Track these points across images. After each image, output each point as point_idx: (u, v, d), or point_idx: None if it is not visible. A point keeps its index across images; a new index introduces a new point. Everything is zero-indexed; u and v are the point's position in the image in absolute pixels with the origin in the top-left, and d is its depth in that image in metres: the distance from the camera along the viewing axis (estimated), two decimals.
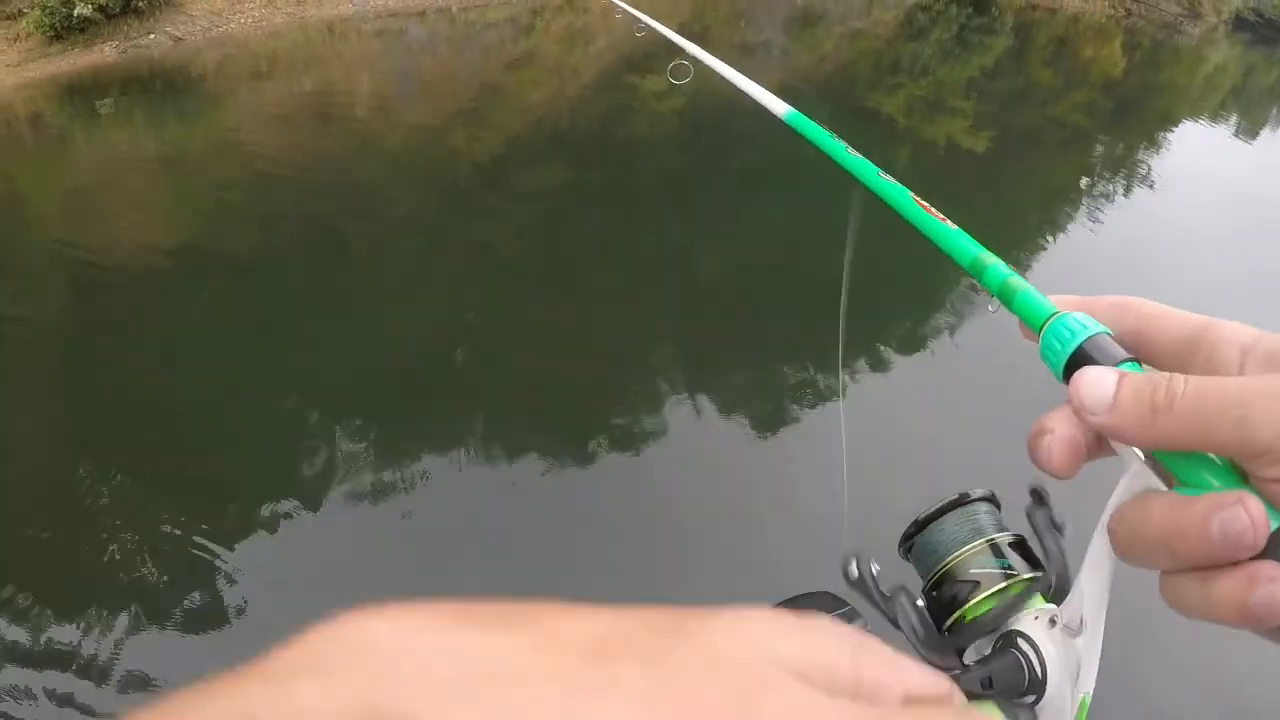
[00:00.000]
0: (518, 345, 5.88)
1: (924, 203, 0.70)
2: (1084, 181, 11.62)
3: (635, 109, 10.40)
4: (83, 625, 3.66)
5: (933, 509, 0.79)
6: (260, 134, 8.22)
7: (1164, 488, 0.42)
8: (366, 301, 6.07)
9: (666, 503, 4.64)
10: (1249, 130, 16.96)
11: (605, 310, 6.37)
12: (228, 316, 5.74)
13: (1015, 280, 0.56)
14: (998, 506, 0.78)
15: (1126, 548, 0.43)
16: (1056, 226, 9.73)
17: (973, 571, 0.76)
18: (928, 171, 10.50)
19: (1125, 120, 15.04)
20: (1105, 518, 0.45)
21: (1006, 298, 0.56)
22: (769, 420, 5.48)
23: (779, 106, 1.11)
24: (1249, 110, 18.81)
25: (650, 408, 5.46)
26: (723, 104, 11.11)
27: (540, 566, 4.04)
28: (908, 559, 0.81)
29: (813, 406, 5.63)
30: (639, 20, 2.43)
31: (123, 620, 3.73)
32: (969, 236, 0.64)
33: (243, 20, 10.36)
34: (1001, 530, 0.76)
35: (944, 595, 0.77)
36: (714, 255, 7.38)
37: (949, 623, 0.77)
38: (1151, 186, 11.59)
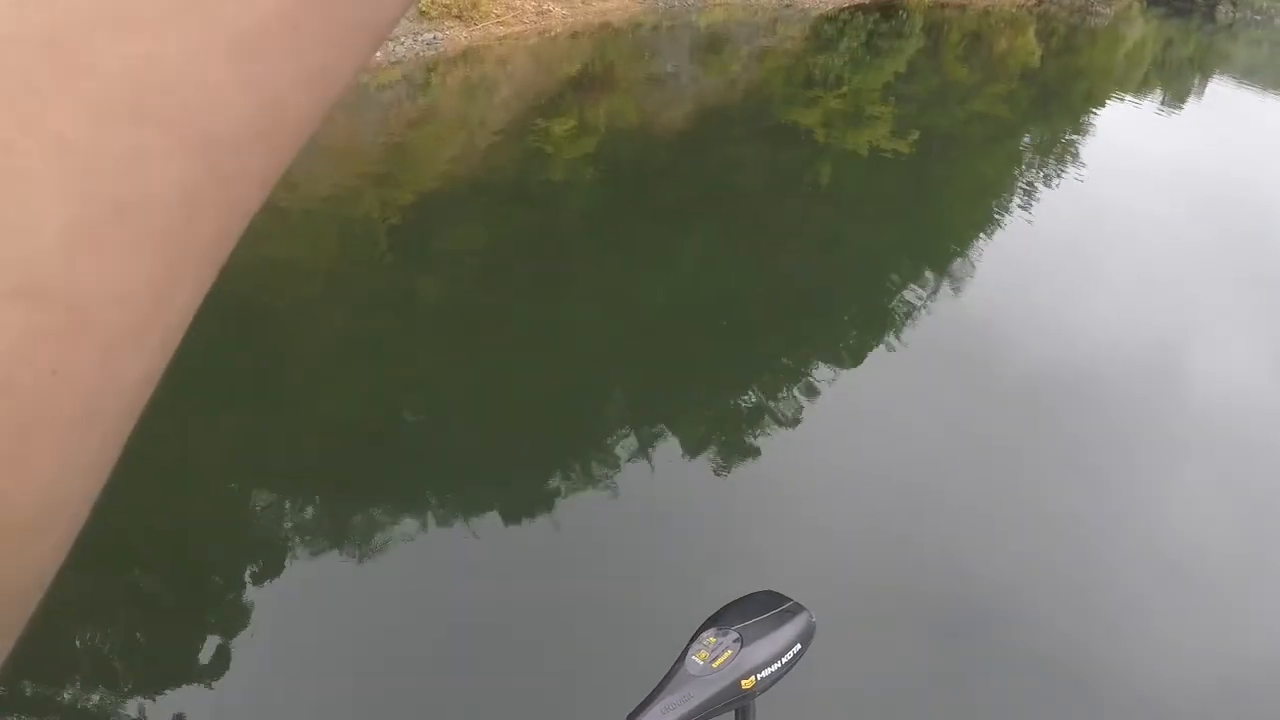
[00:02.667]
0: (460, 403, 6.38)
1: None
2: (1014, 172, 12.40)
3: (549, 153, 11.02)
4: None
5: None
6: None
7: None
8: (294, 382, 6.53)
9: (619, 526, 5.24)
10: (1174, 101, 18.06)
11: (543, 357, 6.89)
12: (153, 422, 6.07)
13: None
14: None
15: None
16: (992, 221, 10.37)
17: None
18: (855, 182, 11.19)
19: (1048, 107, 15.97)
20: None
21: None
22: (717, 442, 6.06)
23: None
24: (1172, 81, 20.00)
25: (601, 441, 6.02)
26: (639, 138, 11.76)
27: (501, 608, 4.53)
28: None
29: (759, 429, 6.20)
30: None
31: None
32: None
33: None
34: None
35: None
36: (646, 289, 7.93)
37: None
38: (1083, 168, 12.39)
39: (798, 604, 1.43)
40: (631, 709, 1.25)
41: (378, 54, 12.89)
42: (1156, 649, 4.56)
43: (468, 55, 13.73)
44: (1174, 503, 5.72)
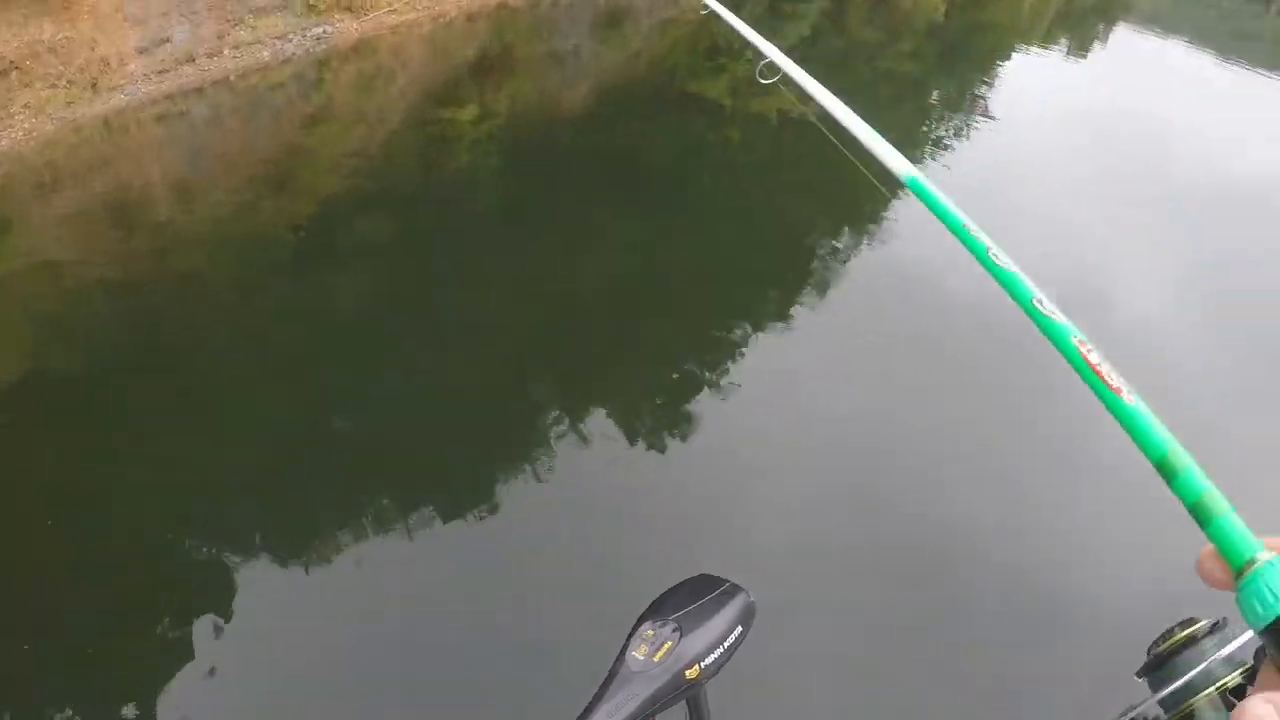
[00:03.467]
0: (383, 404, 6.40)
1: (1093, 359, 0.68)
2: (925, 127, 12.61)
3: (453, 140, 11.00)
4: None
5: (1166, 646, 0.90)
6: (61, 249, 8.53)
7: None
8: (212, 398, 6.52)
9: (547, 521, 5.30)
10: (1079, 49, 18.46)
11: (463, 351, 6.92)
12: (81, 452, 6.05)
13: (1214, 497, 0.54)
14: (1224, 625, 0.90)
15: None
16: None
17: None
18: (765, 148, 11.31)
19: (955, 62, 16.24)
20: None
21: (1200, 517, 0.54)
22: (644, 425, 6.14)
23: (900, 166, 1.16)
24: (1076, 30, 20.39)
25: (524, 436, 6.11)
26: (543, 118, 11.78)
27: (433, 620, 4.58)
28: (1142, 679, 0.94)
29: (688, 406, 6.28)
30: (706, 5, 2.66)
31: None
32: (1155, 418, 0.62)
33: (13, 135, 10.58)
34: (1233, 667, 0.85)
35: None
36: (563, 272, 7.99)
37: None
38: (993, 119, 12.63)
39: (734, 585, 1.42)
40: (575, 716, 1.23)
41: (265, 53, 12.77)
42: (1099, 596, 4.71)
43: (360, 48, 13.63)
44: (1104, 433, 5.90)
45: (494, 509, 5.37)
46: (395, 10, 14.19)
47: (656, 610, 1.37)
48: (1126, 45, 19.01)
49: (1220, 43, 19.00)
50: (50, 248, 8.67)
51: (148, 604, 4.95)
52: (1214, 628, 0.91)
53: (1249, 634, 0.54)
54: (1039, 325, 0.75)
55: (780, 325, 7.31)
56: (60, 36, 11.34)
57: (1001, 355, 6.68)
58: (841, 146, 1.29)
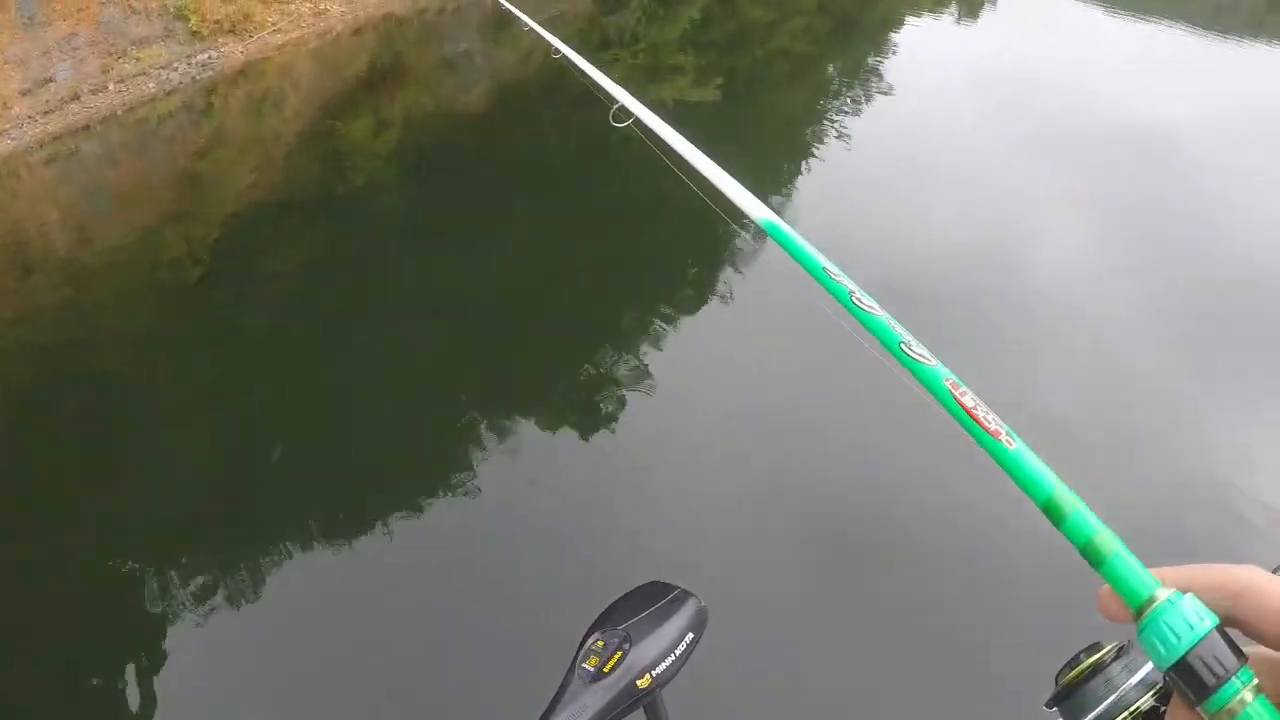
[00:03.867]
0: (301, 422, 6.47)
1: (967, 402, 0.67)
2: (823, 102, 12.86)
3: (351, 155, 11.08)
4: None
5: (1074, 675, 0.91)
6: None
7: None
8: (142, 439, 6.55)
9: (489, 529, 5.38)
10: (969, 13, 18.88)
11: (380, 367, 6.98)
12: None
13: (1105, 539, 0.55)
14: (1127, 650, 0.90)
15: None
16: (809, 154, 10.75)
17: None
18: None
19: (849, 35, 16.53)
20: None
21: (1093, 559, 0.55)
22: (572, 427, 6.25)
23: (756, 210, 1.14)
24: None
25: (451, 447, 6.17)
26: (439, 125, 11.85)
27: (392, 618, 4.69)
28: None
29: (609, 405, 6.39)
30: (557, 50, 2.65)
31: None
32: (1038, 459, 0.61)
33: None
34: (1145, 689, 0.85)
35: None
36: (471, 278, 8.08)
37: None
38: (891, 90, 12.90)
39: (685, 591, 1.42)
40: None
41: (150, 85, 12.72)
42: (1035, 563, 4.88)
43: (247, 70, 13.61)
44: (1023, 382, 6.16)
45: (428, 525, 5.45)
46: (280, 29, 14.18)
47: (606, 620, 1.38)
48: (1016, 6, 19.45)
49: None
50: None
51: (76, 652, 5.03)
52: (1120, 652, 0.91)
53: None
54: (909, 369, 0.72)
55: (693, 316, 7.46)
56: None
57: (928, 323, 6.89)
58: (697, 190, 1.23)
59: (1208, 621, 0.49)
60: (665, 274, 8.27)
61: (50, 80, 12.71)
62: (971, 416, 0.65)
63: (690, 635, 1.35)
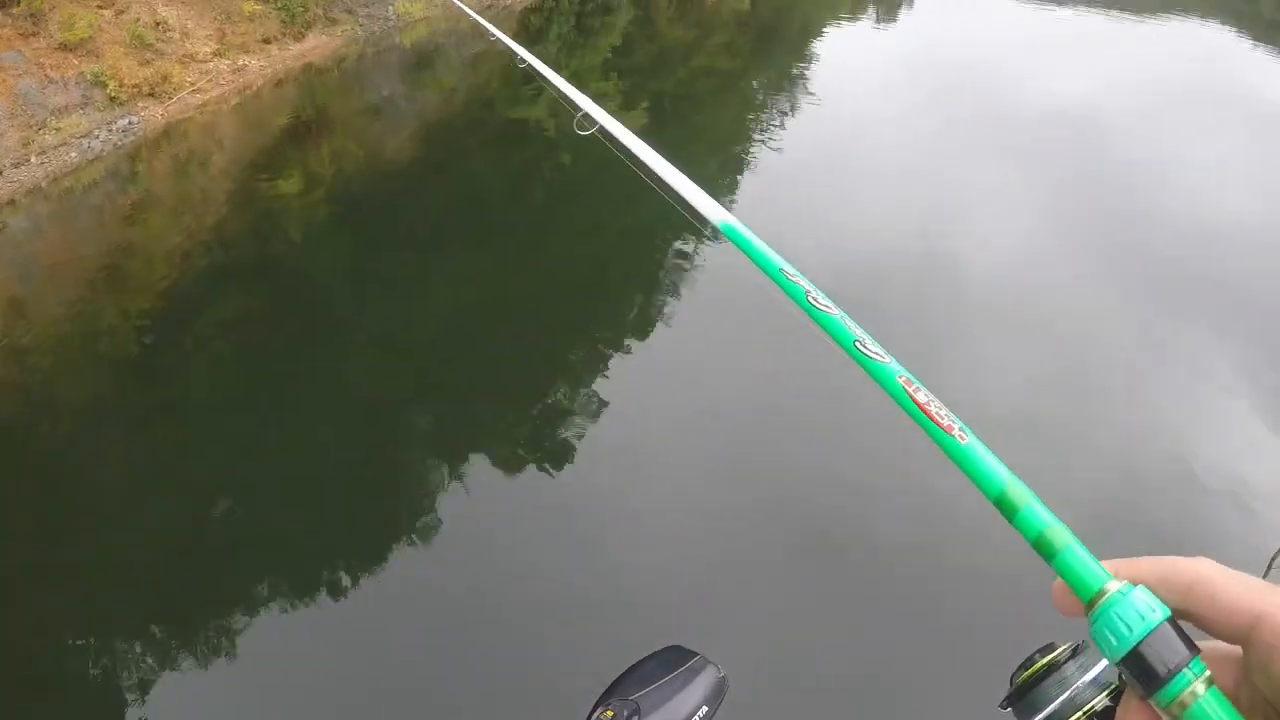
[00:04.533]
0: (263, 485, 6.58)
1: (920, 399, 0.69)
2: (752, 115, 13.17)
3: (282, 209, 11.23)
4: None
5: (1028, 675, 0.92)
6: None
7: None
8: (92, 517, 6.61)
9: (479, 594, 5.35)
10: (887, 14, 19.34)
11: (337, 421, 7.11)
12: None
13: (1057, 532, 0.56)
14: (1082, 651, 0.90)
15: None
16: (741, 167, 11.01)
17: None
18: (596, 162, 11.69)
19: (770, 48, 16.88)
20: None
21: (1044, 552, 0.56)
22: (555, 463, 6.35)
23: (715, 213, 1.14)
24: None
25: (429, 488, 6.29)
26: (370, 172, 12.02)
27: (379, 676, 4.79)
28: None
29: (587, 435, 6.50)
30: (523, 59, 2.75)
31: None
32: (991, 454, 0.63)
33: None
34: (1099, 689, 0.86)
35: None
36: (419, 321, 8.23)
37: None
38: (818, 97, 13.23)
39: (703, 659, 1.38)
40: None
41: (73, 154, 12.80)
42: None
43: (170, 132, 13.70)
44: (971, 370, 6.42)
45: (401, 580, 5.55)
46: (199, 89, 14.28)
47: (617, 688, 1.35)
48: (931, 4, 19.91)
49: None
50: None
51: None
52: (1074, 651, 0.91)
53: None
54: (863, 367, 0.74)
55: (647, 334, 7.64)
56: None
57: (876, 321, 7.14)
58: (661, 193, 1.34)
59: (1159, 613, 0.50)
60: (625, 289, 8.43)
61: None
62: (925, 412, 0.67)
63: (705, 709, 1.31)
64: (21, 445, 7.53)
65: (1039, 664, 0.91)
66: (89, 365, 8.62)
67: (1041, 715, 0.88)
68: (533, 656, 4.74)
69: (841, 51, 16.06)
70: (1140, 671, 0.50)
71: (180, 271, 10.16)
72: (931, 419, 0.66)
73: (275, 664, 5.15)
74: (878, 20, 18.95)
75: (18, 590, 6.03)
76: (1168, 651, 0.49)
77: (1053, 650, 0.91)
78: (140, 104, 13.78)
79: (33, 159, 13.05)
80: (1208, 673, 0.50)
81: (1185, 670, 0.49)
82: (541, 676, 4.56)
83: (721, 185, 10.43)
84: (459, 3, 5.94)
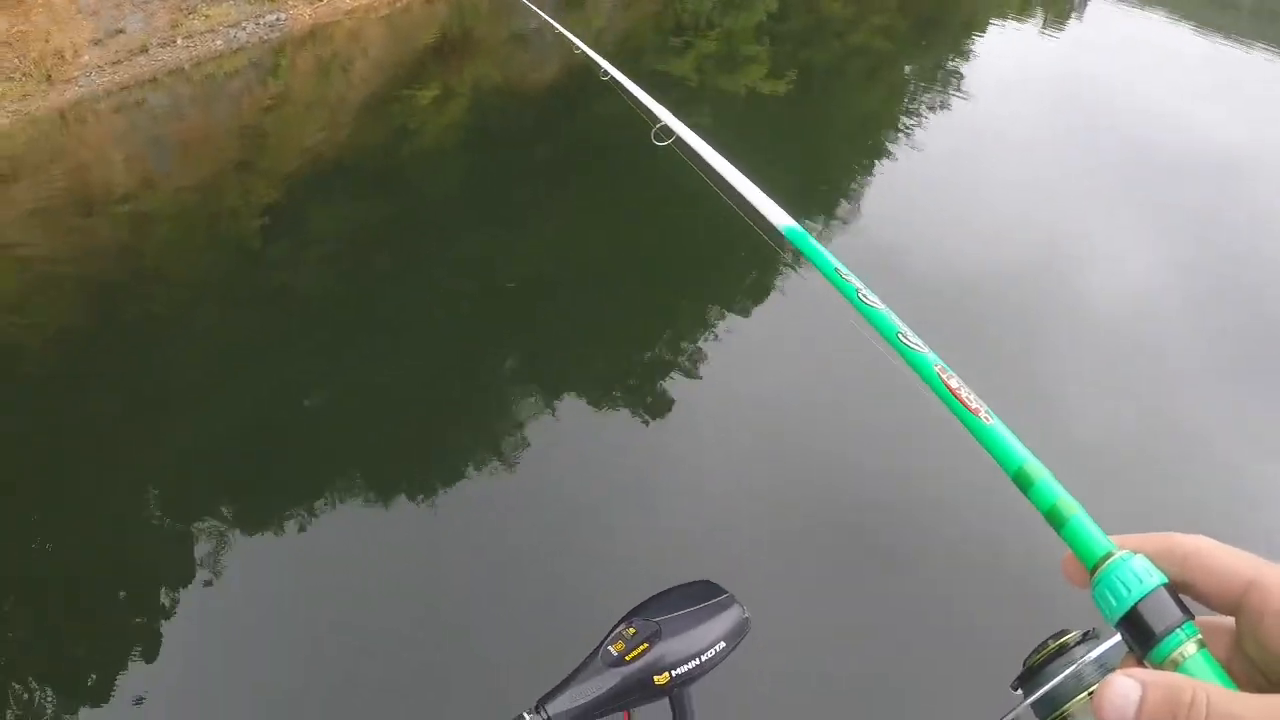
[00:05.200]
0: (354, 388, 6.68)
1: (953, 384, 0.75)
2: (898, 103, 12.98)
3: (415, 125, 11.33)
4: None
5: (1038, 657, 0.97)
6: (26, 238, 8.85)
7: None
8: (175, 382, 6.83)
9: (538, 511, 5.50)
10: (1056, 21, 18.91)
11: (437, 330, 7.20)
12: (47, 438, 6.37)
13: (1066, 503, 0.61)
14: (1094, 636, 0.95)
15: None
16: (877, 155, 10.87)
17: None
18: (732, 125, 11.66)
19: (928, 36, 16.58)
20: None
21: (1055, 522, 0.60)
22: (622, 411, 6.40)
23: (779, 218, 1.22)
24: (1052, 3, 20.83)
25: (507, 417, 6.36)
26: (507, 101, 12.11)
27: (429, 597, 4.87)
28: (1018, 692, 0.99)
29: (666, 391, 6.54)
30: (606, 72, 2.78)
31: None
32: (1012, 434, 0.68)
33: None
34: (1105, 671, 0.89)
35: None
36: (531, 256, 8.28)
37: None
38: (968, 95, 12.96)
39: (731, 597, 1.43)
40: (543, 693, 1.31)
41: (218, 42, 13.08)
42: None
43: (316, 34, 13.93)
44: (1071, 399, 6.30)
45: (469, 499, 5.62)
46: None
47: (644, 609, 1.41)
48: (1102, 18, 19.43)
49: (1199, 14, 19.47)
50: (11, 236, 9.00)
51: (104, 589, 5.28)
52: (1085, 637, 0.97)
53: (1116, 638, 0.58)
54: (904, 357, 0.81)
55: (752, 309, 7.59)
56: (14, 30, 11.69)
57: (980, 335, 7.06)
58: (739, 210, 1.37)
59: (1156, 578, 0.54)
60: (726, 262, 8.39)
61: (120, 32, 13.10)
62: (955, 396, 0.74)
63: (723, 644, 1.38)
64: (127, 307, 7.76)
65: (1050, 647, 0.97)
66: (205, 242, 8.85)
67: (1043, 690, 0.95)
68: (575, 574, 4.91)
69: (1000, 53, 15.71)
70: (1136, 631, 0.54)
71: (307, 168, 10.36)
72: (961, 401, 0.72)
73: (328, 560, 5.25)
74: (1044, 25, 18.49)
75: (95, 440, 6.26)
76: (1163, 613, 0.53)
77: (1064, 635, 0.97)
78: (290, 2, 14.04)
79: (179, 41, 13.37)
80: (1199, 635, 0.53)
81: (1178, 630, 0.52)
82: (580, 591, 4.72)
83: (852, 171, 10.33)
84: (531, 4, 5.97)
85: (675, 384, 6.57)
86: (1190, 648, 0.52)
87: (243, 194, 9.69)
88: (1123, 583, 0.54)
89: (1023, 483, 0.64)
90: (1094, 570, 0.56)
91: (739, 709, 3.46)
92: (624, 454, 5.98)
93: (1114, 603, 0.54)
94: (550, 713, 1.28)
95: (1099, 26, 18.54)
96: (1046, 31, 17.83)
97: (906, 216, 9.08)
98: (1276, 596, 0.51)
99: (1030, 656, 0.99)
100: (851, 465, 5.73)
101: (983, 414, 0.71)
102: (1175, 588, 0.54)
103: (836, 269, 0.97)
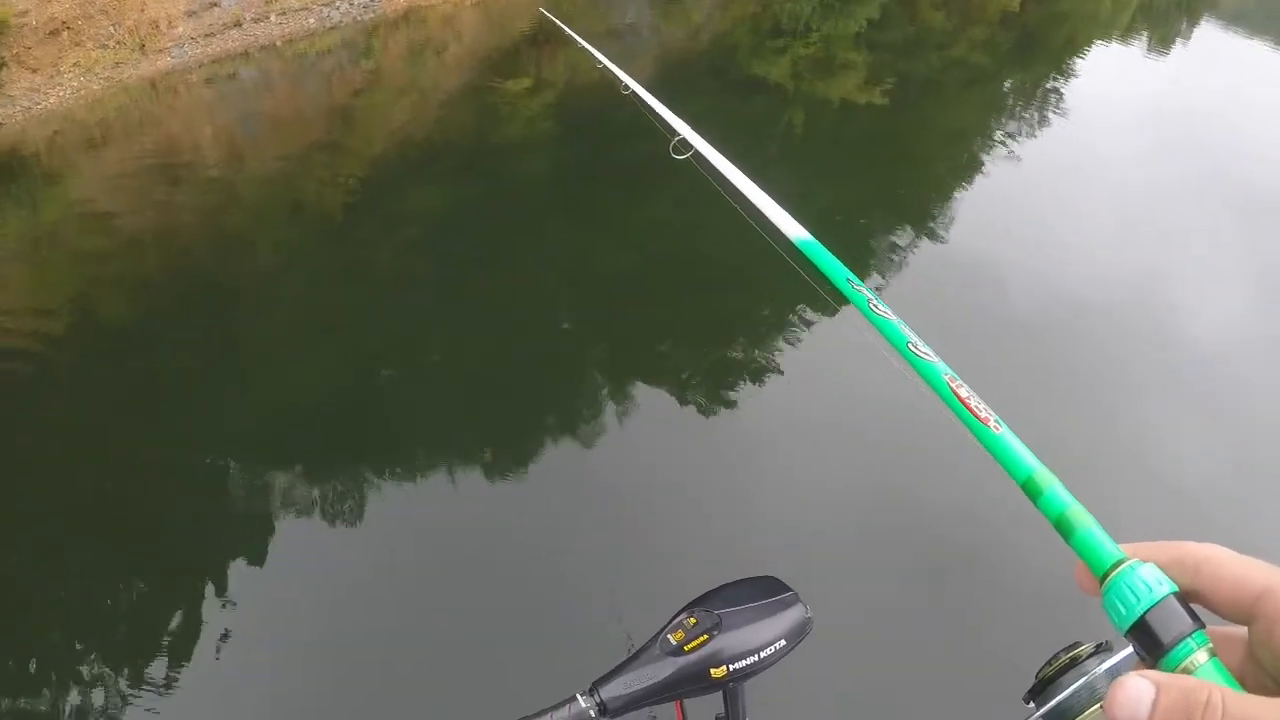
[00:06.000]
0: (430, 366, 6.73)
1: (963, 394, 0.77)
2: (994, 119, 12.84)
3: (505, 112, 11.38)
4: None
5: (1050, 669, 0.98)
6: (113, 202, 9.01)
7: None
8: (263, 353, 6.95)
9: (606, 498, 5.51)
10: (1160, 45, 18.63)
11: (507, 315, 7.22)
12: (124, 395, 6.50)
13: (1075, 513, 0.61)
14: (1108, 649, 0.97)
15: None
16: (971, 169, 10.74)
17: None
18: (825, 133, 11.60)
19: (1029, 53, 16.41)
20: None
21: (1064, 530, 0.61)
22: (697, 407, 6.38)
23: (792, 230, 1.26)
24: (1159, 26, 20.54)
25: (579, 407, 6.35)
26: (599, 94, 12.12)
27: (499, 575, 4.89)
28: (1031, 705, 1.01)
29: (740, 390, 6.52)
30: (628, 86, 2.71)
31: None
32: (1021, 444, 0.70)
33: (62, 93, 11.17)
34: (1112, 679, 0.87)
35: None
36: (615, 251, 8.26)
37: None
38: (1066, 115, 12.79)
39: (795, 596, 1.43)
40: (598, 676, 1.31)
41: (311, 20, 13.24)
42: None
43: (409, 16, 14.06)
44: (1167, 433, 6.18)
45: (535, 481, 5.62)
46: None
47: (707, 600, 1.41)
48: (1209, 44, 19.12)
49: None
50: (101, 200, 9.16)
51: (174, 543, 5.34)
52: (1098, 649, 0.99)
53: (1129, 650, 0.57)
54: (914, 366, 0.84)
55: (835, 313, 7.53)
56: None
57: (1069, 356, 6.95)
58: (760, 230, 1.38)
59: (1167, 586, 0.54)
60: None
61: (215, 5, 13.33)
62: (965, 405, 0.75)
63: (783, 642, 1.37)
64: (207, 273, 7.87)
65: (1062, 659, 0.98)
66: (288, 216, 8.94)
67: (1054, 701, 0.96)
68: (644, 560, 4.94)
69: (1102, 74, 15.45)
70: (1146, 640, 0.53)
71: (394, 150, 10.43)
72: (971, 411, 0.74)
73: (396, 532, 5.30)
74: (1149, 49, 18.21)
75: (170, 400, 6.38)
76: (1173, 621, 0.52)
77: (1077, 648, 0.98)
78: None
79: (272, 17, 13.57)
80: (1210, 644, 0.52)
81: (1188, 639, 0.52)
82: (643, 581, 4.72)
83: (944, 185, 10.21)
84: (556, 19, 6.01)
85: (752, 388, 6.53)
86: (1201, 656, 0.52)
87: (329, 171, 9.77)
88: (1132, 591, 0.54)
89: (1031, 491, 0.65)
90: (1104, 579, 0.57)
91: (785, 707, 3.42)
92: (694, 450, 5.94)
93: (1123, 611, 0.54)
94: (603, 696, 1.29)
95: (1204, 53, 18.22)
96: (1151, 55, 17.57)
97: (997, 231, 8.96)
98: None
99: (1042, 669, 1.00)
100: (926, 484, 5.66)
101: (992, 423, 0.72)
102: (1186, 596, 0.54)
103: (848, 279, 1.00)
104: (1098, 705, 0.94)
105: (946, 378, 0.79)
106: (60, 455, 5.92)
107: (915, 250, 8.41)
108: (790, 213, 1.30)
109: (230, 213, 9.01)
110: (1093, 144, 11.67)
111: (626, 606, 4.43)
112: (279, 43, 13.19)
